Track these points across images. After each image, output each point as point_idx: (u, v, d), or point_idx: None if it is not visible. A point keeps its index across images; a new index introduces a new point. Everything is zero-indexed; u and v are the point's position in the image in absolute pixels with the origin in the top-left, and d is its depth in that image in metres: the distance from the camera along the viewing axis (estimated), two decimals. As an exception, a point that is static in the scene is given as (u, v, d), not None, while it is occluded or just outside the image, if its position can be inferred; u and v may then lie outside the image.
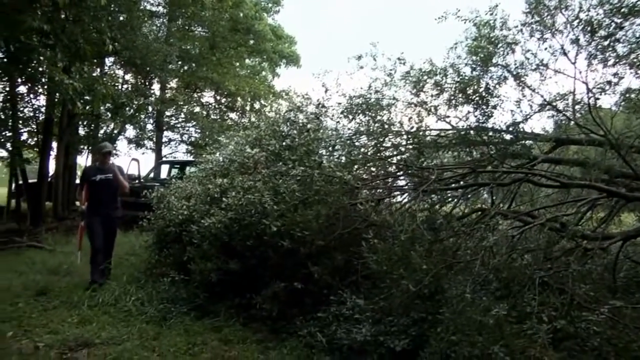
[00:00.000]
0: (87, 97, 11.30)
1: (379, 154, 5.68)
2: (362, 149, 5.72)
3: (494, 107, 5.30)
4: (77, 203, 20.61)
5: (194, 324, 4.82)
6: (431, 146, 5.39)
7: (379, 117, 5.68)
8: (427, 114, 5.56)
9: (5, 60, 12.00)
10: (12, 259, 8.08)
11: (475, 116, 5.33)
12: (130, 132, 21.65)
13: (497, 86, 5.39)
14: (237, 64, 22.51)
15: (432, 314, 3.80)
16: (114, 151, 16.76)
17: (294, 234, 4.67)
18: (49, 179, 15.35)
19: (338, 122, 5.88)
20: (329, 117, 5.97)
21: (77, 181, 20.41)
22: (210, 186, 5.87)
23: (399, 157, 5.70)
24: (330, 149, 5.69)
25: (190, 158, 19.32)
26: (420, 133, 5.45)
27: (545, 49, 5.33)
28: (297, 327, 4.47)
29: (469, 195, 5.57)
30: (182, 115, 23.09)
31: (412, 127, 5.50)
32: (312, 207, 4.87)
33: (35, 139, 16.54)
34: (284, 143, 5.66)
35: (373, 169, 5.79)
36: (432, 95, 5.54)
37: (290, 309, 4.71)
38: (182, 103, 21.37)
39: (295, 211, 4.86)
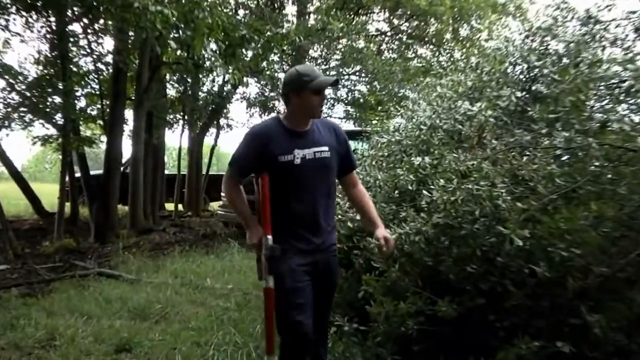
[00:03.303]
0: (182, 33, 11.84)
1: None
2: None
3: None
4: (215, 208, 20.59)
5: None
6: None
7: None
8: None
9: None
10: (74, 294, 8.54)
11: None
12: (252, 88, 22.84)
13: None
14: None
15: None
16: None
17: (552, 254, 4.55)
18: (123, 168, 16.55)
19: (627, 48, 5.66)
20: (607, 42, 5.77)
21: (203, 171, 21.68)
22: (399, 171, 5.96)
23: None
24: (614, 97, 5.45)
25: (353, 127, 19.84)
26: None
27: None
28: None
29: None
30: (337, 56, 23.39)
31: None
32: (586, 205, 4.72)
33: (99, 105, 17.60)
34: (526, 94, 5.51)
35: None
36: None
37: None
38: (336, 35, 20.55)
39: (555, 213, 4.74)
